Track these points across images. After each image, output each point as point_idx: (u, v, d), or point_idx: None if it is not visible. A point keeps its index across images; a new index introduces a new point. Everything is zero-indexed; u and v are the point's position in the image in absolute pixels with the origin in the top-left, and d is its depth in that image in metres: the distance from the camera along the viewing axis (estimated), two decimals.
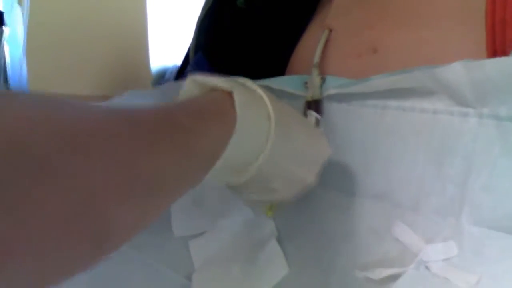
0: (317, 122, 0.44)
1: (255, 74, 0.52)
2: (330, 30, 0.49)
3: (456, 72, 0.35)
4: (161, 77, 1.50)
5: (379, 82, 0.40)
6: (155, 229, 0.54)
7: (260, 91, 0.35)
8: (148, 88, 1.45)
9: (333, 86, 0.44)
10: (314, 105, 0.45)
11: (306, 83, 0.46)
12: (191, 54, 0.65)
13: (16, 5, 1.04)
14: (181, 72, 0.67)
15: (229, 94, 0.33)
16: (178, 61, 0.72)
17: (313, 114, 0.44)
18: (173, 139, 0.27)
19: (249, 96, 0.34)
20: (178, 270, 0.49)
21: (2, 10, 1.00)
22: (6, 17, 0.99)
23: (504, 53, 0.39)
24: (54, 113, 0.22)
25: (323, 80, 0.45)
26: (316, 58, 0.47)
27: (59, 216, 0.20)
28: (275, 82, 0.48)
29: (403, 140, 0.40)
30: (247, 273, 0.45)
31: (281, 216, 0.46)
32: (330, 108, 0.45)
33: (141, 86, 1.44)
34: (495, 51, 0.39)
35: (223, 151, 0.31)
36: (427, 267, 0.36)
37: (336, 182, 0.43)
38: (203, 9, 0.63)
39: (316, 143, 0.39)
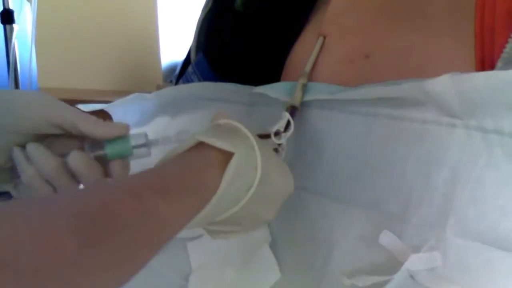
0: (288, 125, 0.44)
1: (252, 77, 0.53)
2: (324, 37, 0.49)
3: (444, 85, 0.35)
4: (172, 72, 1.51)
5: (365, 91, 0.40)
6: None
7: (254, 143, 0.37)
8: (159, 82, 1.46)
9: (316, 93, 0.45)
10: (290, 110, 0.45)
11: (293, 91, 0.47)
12: (192, 55, 0.66)
13: (25, 2, 1.05)
14: (183, 71, 0.68)
15: (222, 154, 0.35)
16: None
17: (286, 116, 0.44)
18: (144, 232, 0.29)
19: (243, 157, 0.35)
20: (176, 271, 0.50)
21: (11, 8, 1.02)
22: (15, 15, 1.01)
23: (492, 61, 0.39)
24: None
25: (305, 88, 0.46)
26: (307, 67, 0.47)
27: None
28: (269, 89, 0.49)
29: (392, 149, 0.40)
30: (241, 277, 0.46)
31: (276, 221, 0.47)
32: (321, 115, 0.45)
33: (152, 81, 1.45)
34: (483, 58, 0.39)
35: (195, 216, 0.33)
36: (411, 276, 0.36)
37: (327, 189, 0.44)
38: (202, 11, 0.64)
39: (286, 184, 0.41)
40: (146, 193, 0.30)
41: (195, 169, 0.34)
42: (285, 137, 0.44)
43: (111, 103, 0.62)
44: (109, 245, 0.26)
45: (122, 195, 0.29)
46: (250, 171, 0.36)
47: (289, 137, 0.44)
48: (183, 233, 0.51)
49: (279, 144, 0.44)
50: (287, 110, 0.45)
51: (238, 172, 0.35)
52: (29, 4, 1.06)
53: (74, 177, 0.40)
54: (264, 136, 0.43)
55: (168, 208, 0.31)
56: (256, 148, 0.36)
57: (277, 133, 0.44)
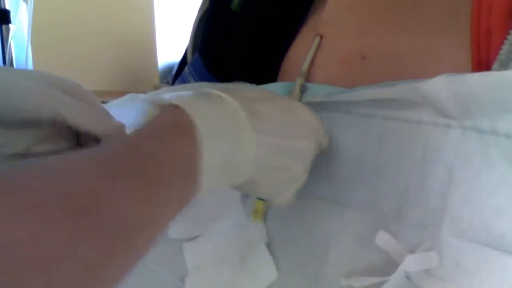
0: None
1: (248, 78, 0.53)
2: (321, 37, 0.49)
3: (438, 86, 0.35)
4: (169, 72, 1.51)
5: (362, 93, 0.40)
6: None
7: (219, 93, 0.35)
8: (155, 82, 1.46)
9: (313, 95, 0.45)
10: None
11: (290, 92, 0.47)
12: (188, 55, 0.66)
13: (21, 2, 1.05)
14: (179, 72, 0.68)
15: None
16: None
17: None
18: (140, 173, 0.27)
19: (207, 103, 0.34)
20: (173, 272, 0.50)
21: (7, 8, 1.02)
22: (11, 15, 1.01)
23: (488, 62, 0.39)
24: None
25: (303, 89, 0.46)
26: (304, 67, 0.47)
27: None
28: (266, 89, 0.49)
29: (387, 150, 0.40)
30: (238, 277, 0.46)
31: (272, 221, 0.47)
32: (317, 116, 0.45)
33: (149, 81, 1.45)
34: (479, 59, 0.39)
35: (195, 165, 0.31)
36: (408, 277, 0.37)
37: (323, 190, 0.44)
38: (199, 11, 0.64)
39: (301, 120, 0.39)
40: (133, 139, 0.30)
41: (167, 118, 0.33)
42: None
43: (106, 104, 0.62)
44: (101, 228, 0.25)
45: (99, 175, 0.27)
46: (224, 108, 0.34)
47: None
48: (179, 235, 0.51)
49: None
50: None
51: (206, 110, 0.33)
52: (25, 4, 1.06)
53: None
54: None
55: (158, 147, 0.29)
56: (222, 93, 0.35)
57: None
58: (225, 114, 0.34)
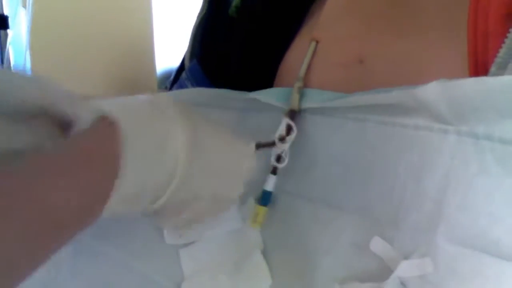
0: (289, 130, 0.45)
1: (246, 82, 0.53)
2: (317, 42, 0.49)
3: (433, 92, 0.35)
4: (167, 78, 1.51)
5: (358, 99, 0.40)
6: (148, 237, 0.55)
7: (168, 108, 0.34)
8: (153, 88, 1.46)
9: (311, 101, 0.45)
10: (290, 114, 0.45)
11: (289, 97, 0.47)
12: (186, 61, 0.66)
13: (20, 8, 1.05)
14: (177, 78, 0.68)
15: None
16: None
17: (285, 121, 0.45)
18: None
19: (145, 119, 0.33)
20: (169, 278, 0.50)
21: (6, 14, 1.02)
22: (10, 21, 1.01)
23: (485, 65, 0.39)
24: None
25: (301, 94, 0.46)
26: (301, 73, 0.47)
27: None
28: (263, 95, 0.49)
29: (383, 155, 0.40)
30: (233, 283, 0.46)
31: (268, 228, 0.47)
32: (313, 120, 0.45)
33: (147, 88, 1.45)
34: (476, 62, 0.39)
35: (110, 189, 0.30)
36: (403, 283, 0.36)
37: (319, 195, 0.44)
38: (197, 17, 0.64)
39: (237, 155, 0.39)
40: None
41: (95, 137, 0.31)
42: (290, 141, 0.45)
43: None
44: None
45: None
46: (161, 129, 0.33)
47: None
48: (175, 240, 0.51)
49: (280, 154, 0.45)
50: (286, 115, 0.45)
51: (141, 131, 0.32)
52: (24, 9, 1.06)
53: None
54: (268, 145, 0.44)
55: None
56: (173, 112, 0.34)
57: (281, 139, 0.44)
58: (158, 135, 0.33)
